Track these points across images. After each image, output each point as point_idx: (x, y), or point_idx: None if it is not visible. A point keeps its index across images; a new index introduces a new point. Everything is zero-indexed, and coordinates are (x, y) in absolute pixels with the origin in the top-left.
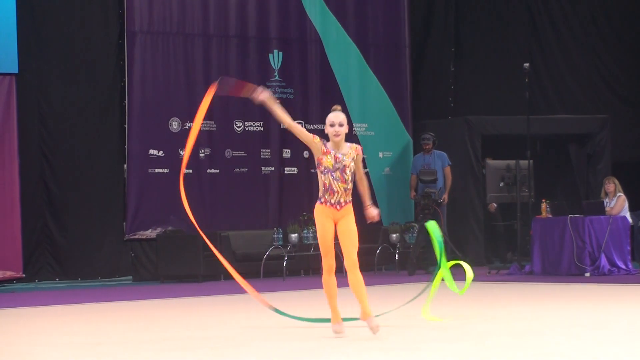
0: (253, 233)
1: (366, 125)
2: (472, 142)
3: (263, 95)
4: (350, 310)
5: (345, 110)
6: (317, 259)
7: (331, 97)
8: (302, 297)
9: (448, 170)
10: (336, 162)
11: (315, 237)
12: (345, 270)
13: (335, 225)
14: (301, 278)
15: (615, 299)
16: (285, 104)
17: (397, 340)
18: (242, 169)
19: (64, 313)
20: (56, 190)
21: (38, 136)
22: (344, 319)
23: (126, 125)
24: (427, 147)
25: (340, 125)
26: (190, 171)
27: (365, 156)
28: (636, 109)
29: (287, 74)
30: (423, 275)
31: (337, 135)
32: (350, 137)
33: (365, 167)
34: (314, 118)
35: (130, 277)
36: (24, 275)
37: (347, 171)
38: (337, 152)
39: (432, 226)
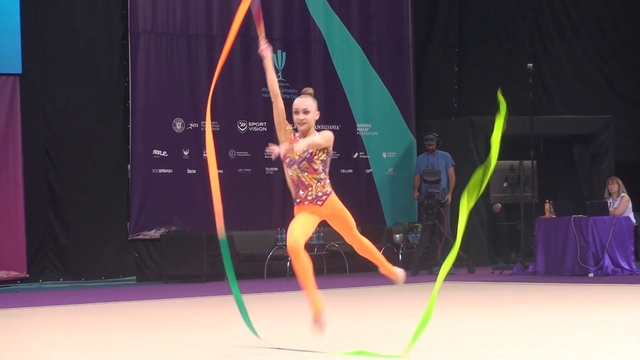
0: (256, 233)
1: (370, 126)
2: (475, 143)
3: (267, 52)
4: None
5: (348, 111)
6: (321, 259)
7: (335, 97)
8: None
9: (452, 170)
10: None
11: (319, 237)
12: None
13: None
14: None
15: (618, 300)
16: (289, 103)
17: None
18: (245, 169)
19: (68, 313)
20: (60, 191)
21: (42, 137)
22: None
23: (130, 126)
24: (430, 147)
25: (306, 112)
26: (194, 172)
27: (368, 156)
28: (639, 111)
29: (290, 74)
30: (426, 275)
31: (301, 123)
32: (354, 138)
33: (368, 167)
34: (318, 119)
35: (134, 277)
36: (27, 275)
37: (316, 160)
38: None
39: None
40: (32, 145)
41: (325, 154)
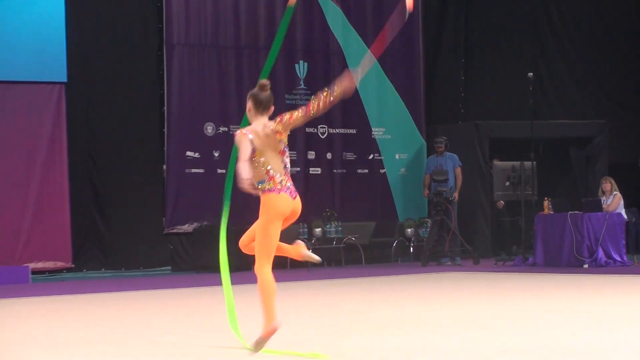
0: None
1: (384, 129)
2: (480, 145)
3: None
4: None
5: (364, 116)
6: (339, 251)
7: (351, 103)
8: (324, 286)
9: (459, 170)
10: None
11: (337, 231)
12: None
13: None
14: (324, 269)
15: (611, 289)
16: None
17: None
18: None
19: (109, 300)
20: (102, 189)
21: (85, 140)
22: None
23: (165, 130)
24: (439, 149)
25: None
26: (224, 171)
27: (382, 157)
28: (631, 115)
29: (311, 82)
30: (435, 266)
31: (248, 110)
32: (369, 141)
33: (382, 167)
34: (336, 123)
35: (169, 268)
36: (73, 265)
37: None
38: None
39: None
40: (77, 147)
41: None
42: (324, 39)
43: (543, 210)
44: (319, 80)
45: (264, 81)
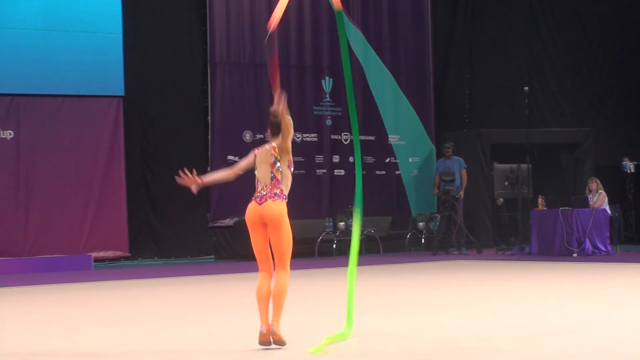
0: (309, 222)
1: (399, 137)
2: (482, 150)
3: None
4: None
5: (381, 125)
6: (360, 243)
7: (370, 114)
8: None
9: (464, 172)
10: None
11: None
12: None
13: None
14: (346, 257)
15: (597, 275)
16: (335, 119)
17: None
18: (300, 171)
19: (161, 284)
20: (155, 188)
21: (140, 146)
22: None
23: (209, 137)
24: (447, 153)
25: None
26: None
27: (397, 161)
28: (614, 123)
29: (336, 96)
30: (443, 255)
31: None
32: (386, 146)
33: (398, 169)
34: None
35: (213, 256)
36: (129, 254)
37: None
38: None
39: None
40: (133, 152)
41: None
42: None
43: (537, 206)
44: (342, 94)
45: (273, 108)
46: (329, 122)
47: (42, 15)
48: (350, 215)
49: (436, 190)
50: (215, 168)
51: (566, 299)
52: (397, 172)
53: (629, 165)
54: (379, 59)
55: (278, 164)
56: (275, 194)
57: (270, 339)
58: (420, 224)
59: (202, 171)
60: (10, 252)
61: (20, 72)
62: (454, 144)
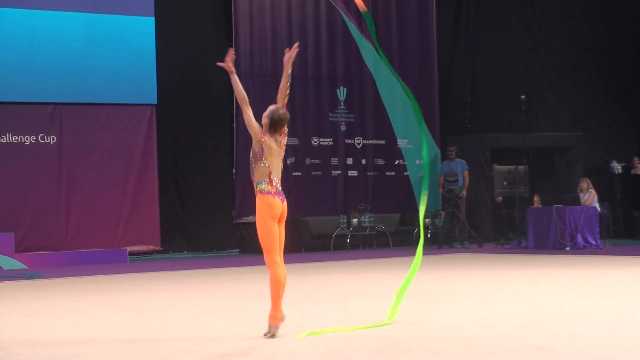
0: (325, 218)
1: (407, 140)
2: (483, 153)
3: (231, 67)
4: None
5: (391, 130)
6: (371, 237)
7: (381, 120)
8: (359, 265)
9: (466, 173)
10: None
11: (370, 221)
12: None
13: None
14: (359, 251)
15: (587, 266)
16: (349, 125)
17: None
18: (317, 172)
19: (190, 275)
20: (184, 188)
21: (171, 149)
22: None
23: (234, 141)
24: (451, 156)
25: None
26: None
27: (406, 163)
28: (603, 128)
29: (350, 104)
30: (448, 249)
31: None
32: (396, 149)
33: (406, 170)
34: (370, 135)
35: (237, 250)
36: (161, 248)
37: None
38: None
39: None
40: (164, 155)
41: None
42: (360, 69)
43: (533, 204)
44: (355, 102)
45: (283, 110)
46: (343, 128)
47: (83, 30)
48: (363, 212)
49: (441, 190)
50: (240, 171)
51: (560, 288)
52: (405, 173)
53: (617, 167)
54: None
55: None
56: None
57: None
58: (427, 220)
59: (228, 174)
60: (53, 247)
61: (62, 82)
62: (457, 148)
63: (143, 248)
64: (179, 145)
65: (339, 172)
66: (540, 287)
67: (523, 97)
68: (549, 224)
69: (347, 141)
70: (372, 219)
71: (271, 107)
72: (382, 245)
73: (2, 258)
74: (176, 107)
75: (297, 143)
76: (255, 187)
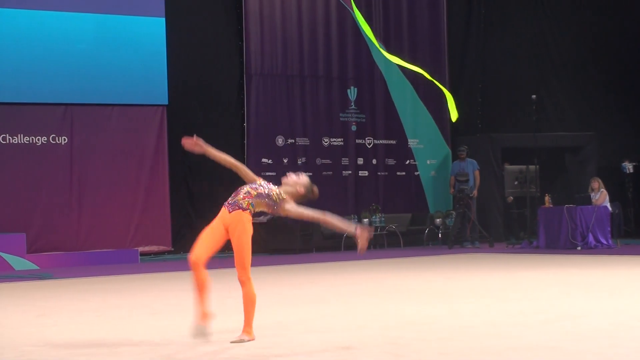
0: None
1: (417, 141)
2: (494, 152)
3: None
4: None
5: (402, 130)
6: (382, 237)
7: (392, 120)
8: (370, 265)
9: (477, 173)
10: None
11: (381, 221)
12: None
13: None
14: (370, 251)
15: (598, 266)
16: (360, 125)
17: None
18: (328, 172)
19: None
20: (195, 189)
21: (182, 150)
22: None
23: (245, 141)
24: (462, 156)
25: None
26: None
27: (417, 163)
28: (614, 128)
29: (360, 104)
30: (458, 248)
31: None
32: (405, 150)
33: (417, 170)
34: (379, 135)
35: None
36: (172, 249)
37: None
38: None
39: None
40: (175, 156)
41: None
42: (370, 69)
43: (544, 204)
44: (366, 102)
45: (316, 191)
46: (353, 128)
47: (94, 31)
48: (374, 212)
49: (452, 190)
50: (250, 169)
51: (571, 288)
52: (416, 173)
53: (628, 166)
54: (400, 71)
55: (268, 201)
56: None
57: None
58: (437, 220)
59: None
60: (64, 247)
61: (74, 83)
62: (468, 148)
63: (154, 248)
64: None
65: (350, 172)
66: (551, 287)
67: (534, 96)
68: (560, 223)
69: (357, 141)
70: (383, 219)
71: (307, 181)
72: (393, 245)
73: (14, 258)
74: (187, 107)
75: (308, 143)
76: (245, 204)
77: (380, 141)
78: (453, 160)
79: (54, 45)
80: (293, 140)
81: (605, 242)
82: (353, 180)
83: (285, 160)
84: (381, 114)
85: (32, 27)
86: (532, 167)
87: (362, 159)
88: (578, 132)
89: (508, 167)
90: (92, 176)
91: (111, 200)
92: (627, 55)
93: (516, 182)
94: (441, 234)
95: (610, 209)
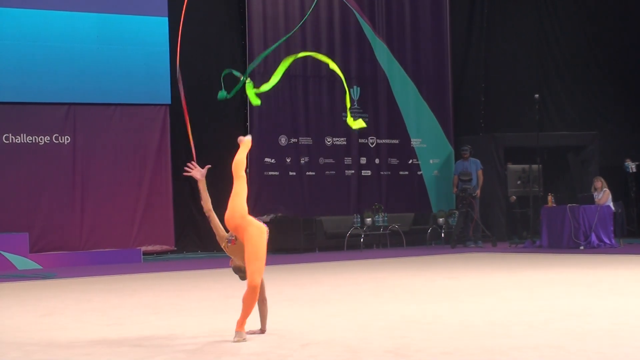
0: (339, 218)
1: (420, 140)
2: (497, 152)
3: (197, 175)
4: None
5: (405, 129)
6: (385, 236)
7: (394, 119)
8: (373, 265)
9: (480, 172)
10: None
11: (384, 220)
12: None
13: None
14: (373, 250)
15: (601, 265)
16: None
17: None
18: (331, 172)
19: (204, 275)
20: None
21: (185, 149)
22: None
23: None
24: (465, 155)
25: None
26: (294, 174)
27: (419, 162)
28: (617, 127)
29: (363, 103)
30: (461, 248)
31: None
32: (408, 150)
33: (419, 170)
34: (383, 134)
35: None
36: (175, 248)
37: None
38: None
39: None
40: (178, 154)
41: None
42: (373, 68)
43: (547, 203)
44: (369, 101)
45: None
46: None
47: (97, 31)
48: (377, 212)
49: (455, 189)
50: (253, 168)
51: (574, 287)
52: (419, 173)
53: (631, 166)
54: (402, 70)
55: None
56: None
57: None
58: (440, 219)
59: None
60: (68, 247)
61: (76, 83)
62: (471, 147)
63: (157, 248)
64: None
65: (353, 171)
66: (554, 286)
67: (537, 96)
68: (563, 223)
69: (360, 141)
70: (386, 218)
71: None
72: (396, 245)
73: (17, 258)
74: (190, 107)
75: (311, 143)
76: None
77: (383, 141)
78: (456, 160)
79: (57, 45)
80: (296, 140)
81: (608, 241)
82: (356, 179)
83: (288, 160)
84: (384, 113)
85: (35, 26)
86: (534, 166)
87: (365, 158)
88: (581, 131)
89: (511, 166)
90: (95, 175)
91: (114, 199)
92: (630, 54)
93: (519, 182)
94: (444, 233)
95: (613, 208)
